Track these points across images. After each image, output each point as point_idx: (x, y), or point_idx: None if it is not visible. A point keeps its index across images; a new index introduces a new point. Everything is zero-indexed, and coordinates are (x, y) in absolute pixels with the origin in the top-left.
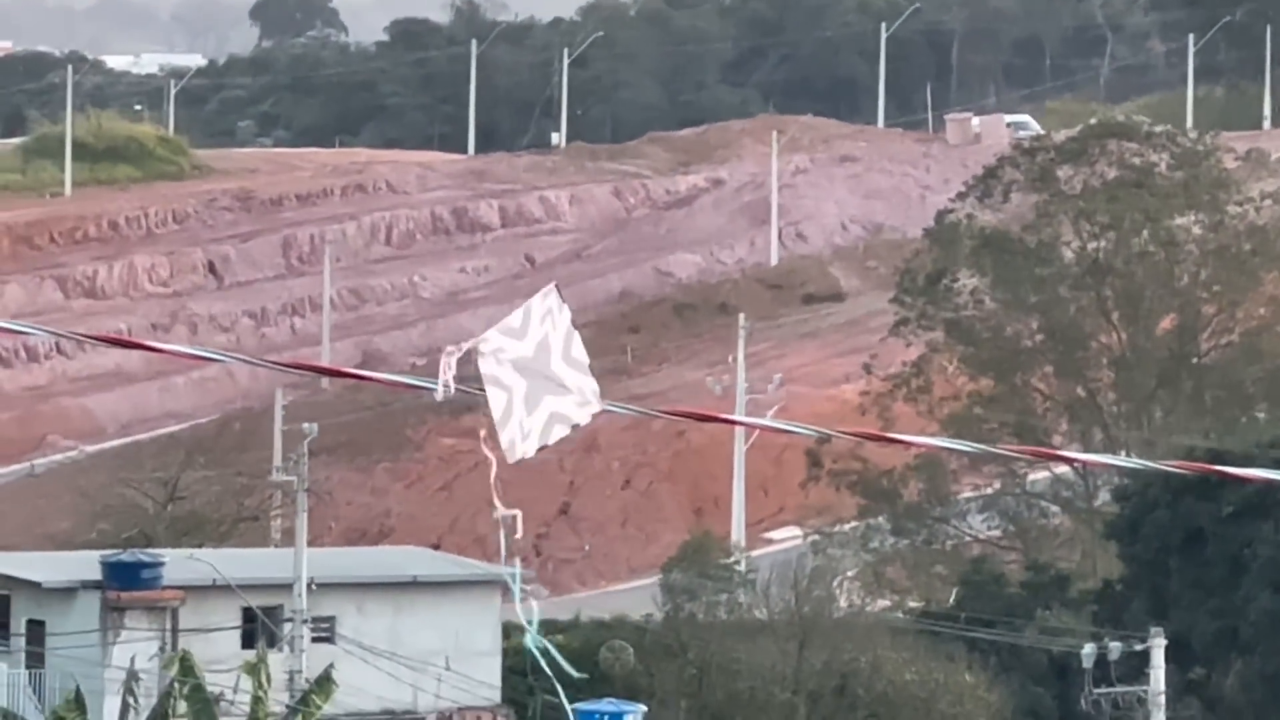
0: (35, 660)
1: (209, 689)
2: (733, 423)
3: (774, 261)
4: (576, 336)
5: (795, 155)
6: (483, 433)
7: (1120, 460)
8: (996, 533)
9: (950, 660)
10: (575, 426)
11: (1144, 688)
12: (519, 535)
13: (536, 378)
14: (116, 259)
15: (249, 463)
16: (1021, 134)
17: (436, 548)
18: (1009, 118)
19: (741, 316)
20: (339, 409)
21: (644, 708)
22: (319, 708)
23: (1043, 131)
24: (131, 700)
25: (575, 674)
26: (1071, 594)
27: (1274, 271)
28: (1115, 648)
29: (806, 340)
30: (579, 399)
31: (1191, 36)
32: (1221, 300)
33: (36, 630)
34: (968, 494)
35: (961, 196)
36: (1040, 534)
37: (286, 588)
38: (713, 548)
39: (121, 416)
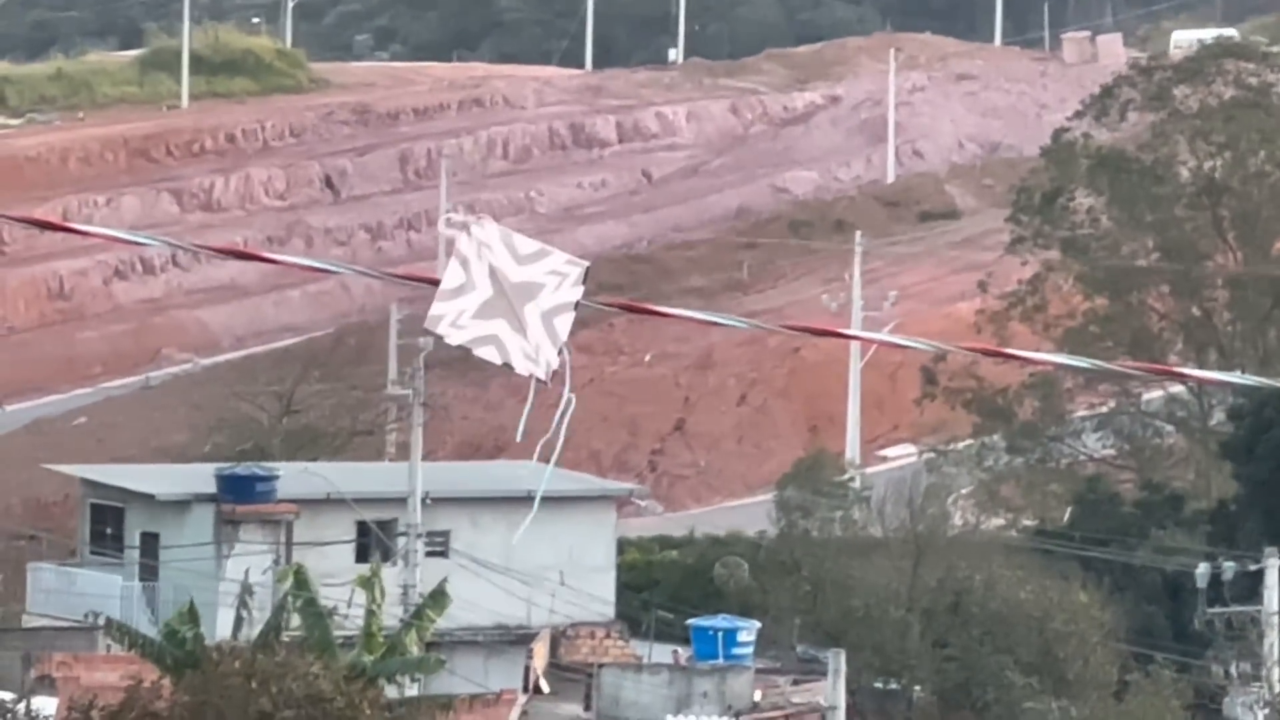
0: (149, 573)
1: (322, 602)
2: (852, 337)
3: (890, 179)
4: (570, 315)
5: (912, 73)
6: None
7: (1239, 378)
8: (1111, 452)
9: (1064, 579)
10: (506, 364)
11: (1258, 607)
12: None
13: (503, 298)
14: (233, 172)
15: (364, 376)
16: None
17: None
18: (1217, 32)
19: (858, 234)
20: None
21: (758, 624)
22: (433, 622)
23: None
24: (245, 613)
25: None
26: (1186, 513)
27: None
28: (1229, 567)
29: (922, 258)
30: (527, 351)
31: None
32: None
33: (150, 543)
34: (1082, 413)
35: (1078, 115)
36: (1155, 453)
37: (401, 502)
38: (827, 464)
39: (236, 329)
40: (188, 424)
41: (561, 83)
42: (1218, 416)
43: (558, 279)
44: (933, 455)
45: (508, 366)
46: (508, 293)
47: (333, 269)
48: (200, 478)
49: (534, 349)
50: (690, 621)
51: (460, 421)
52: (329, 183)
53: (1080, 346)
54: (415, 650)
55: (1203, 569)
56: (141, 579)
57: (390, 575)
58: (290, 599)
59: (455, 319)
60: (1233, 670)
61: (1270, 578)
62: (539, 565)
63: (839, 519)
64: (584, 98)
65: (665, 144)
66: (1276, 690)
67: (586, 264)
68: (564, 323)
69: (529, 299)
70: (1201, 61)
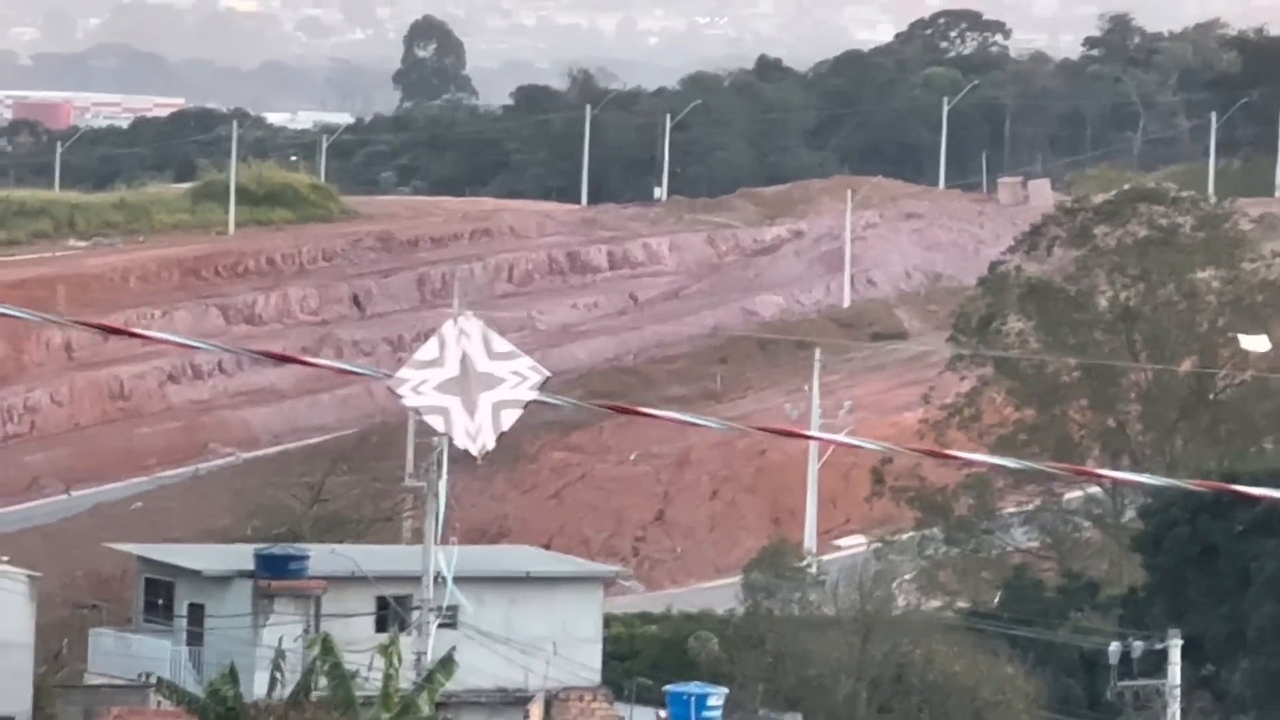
0: (195, 639)
1: (346, 667)
2: (813, 438)
3: (846, 304)
4: (517, 412)
5: (867, 211)
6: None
7: (1148, 479)
8: (1036, 544)
9: (994, 654)
10: (525, 405)
11: (1162, 681)
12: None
13: (466, 387)
14: (273, 290)
15: (384, 470)
16: None
17: (547, 547)
18: None
19: (817, 351)
20: None
21: (726, 690)
22: (442, 685)
23: None
24: (278, 675)
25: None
26: (1100, 598)
27: None
28: (1138, 646)
29: (873, 373)
30: (515, 381)
31: (1214, 114)
32: (1236, 344)
33: (197, 612)
34: (1011, 510)
35: (1011, 250)
36: (1074, 546)
37: (416, 580)
38: (788, 552)
39: (274, 428)
40: (231, 509)
41: (561, 216)
42: (1129, 514)
43: (518, 379)
44: (880, 545)
45: (448, 436)
46: (470, 378)
47: (359, 371)
48: (241, 556)
49: (476, 429)
50: (667, 688)
51: (468, 510)
52: (356, 301)
53: (1010, 452)
54: (427, 710)
55: (1114, 647)
56: (189, 644)
57: (405, 644)
58: (318, 663)
59: (418, 385)
60: None
61: (1173, 655)
62: (535, 636)
63: (798, 599)
64: (580, 230)
65: (650, 271)
66: None
67: (547, 374)
68: (510, 416)
69: (487, 388)
70: (1119, 204)
